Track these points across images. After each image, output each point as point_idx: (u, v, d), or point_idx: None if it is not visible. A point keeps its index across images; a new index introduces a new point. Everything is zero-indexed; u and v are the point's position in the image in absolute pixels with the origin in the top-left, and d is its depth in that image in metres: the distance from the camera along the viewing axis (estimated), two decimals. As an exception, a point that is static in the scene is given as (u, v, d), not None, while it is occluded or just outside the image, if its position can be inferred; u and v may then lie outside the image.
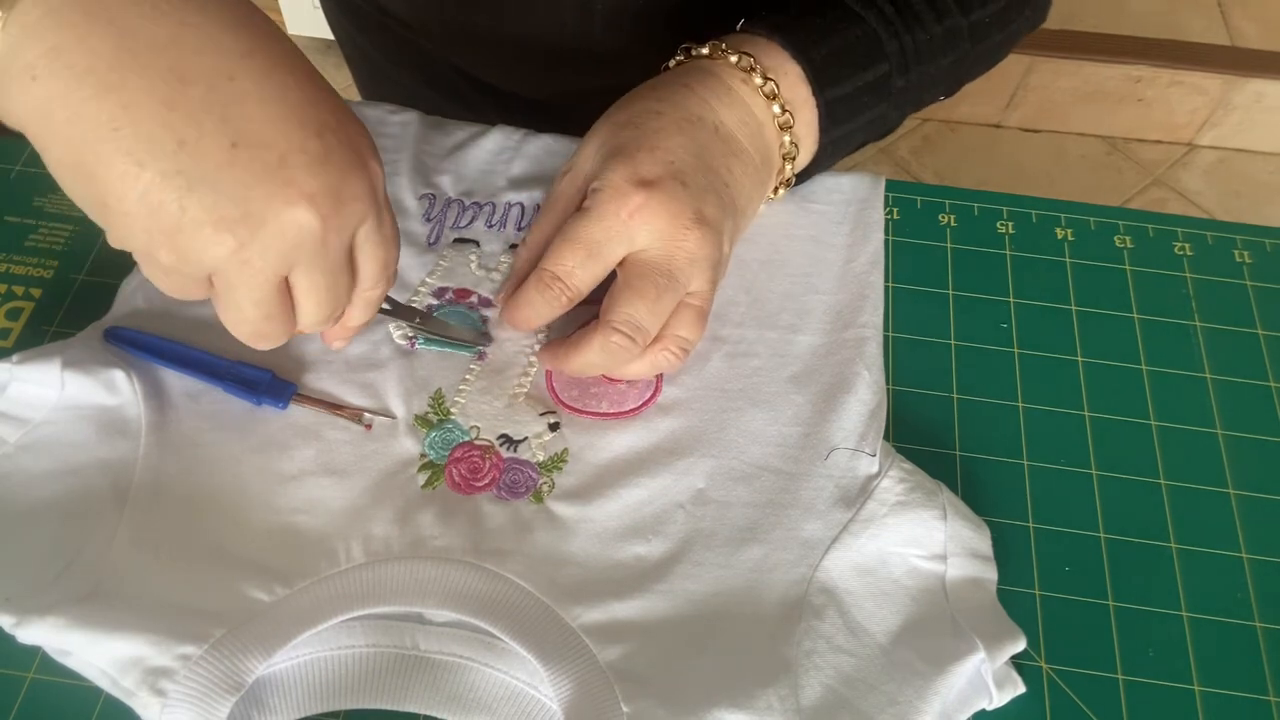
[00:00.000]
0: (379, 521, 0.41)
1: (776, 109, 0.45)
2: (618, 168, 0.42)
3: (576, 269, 0.41)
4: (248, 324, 0.36)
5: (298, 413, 0.44)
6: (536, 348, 0.46)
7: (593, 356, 0.41)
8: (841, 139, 0.49)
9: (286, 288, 0.35)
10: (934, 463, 0.44)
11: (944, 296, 0.51)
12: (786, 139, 0.46)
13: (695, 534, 0.41)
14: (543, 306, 0.42)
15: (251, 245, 0.33)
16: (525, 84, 0.63)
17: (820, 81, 0.46)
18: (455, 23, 0.59)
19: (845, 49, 0.46)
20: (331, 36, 0.76)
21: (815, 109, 0.46)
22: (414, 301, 0.47)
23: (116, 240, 0.34)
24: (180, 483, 0.41)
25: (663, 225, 0.41)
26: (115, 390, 0.42)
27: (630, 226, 0.41)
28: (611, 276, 0.43)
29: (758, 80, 0.45)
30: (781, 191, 0.49)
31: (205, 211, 0.31)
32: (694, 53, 0.47)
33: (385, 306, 0.44)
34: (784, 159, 0.47)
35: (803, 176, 0.50)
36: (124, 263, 0.47)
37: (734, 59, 0.45)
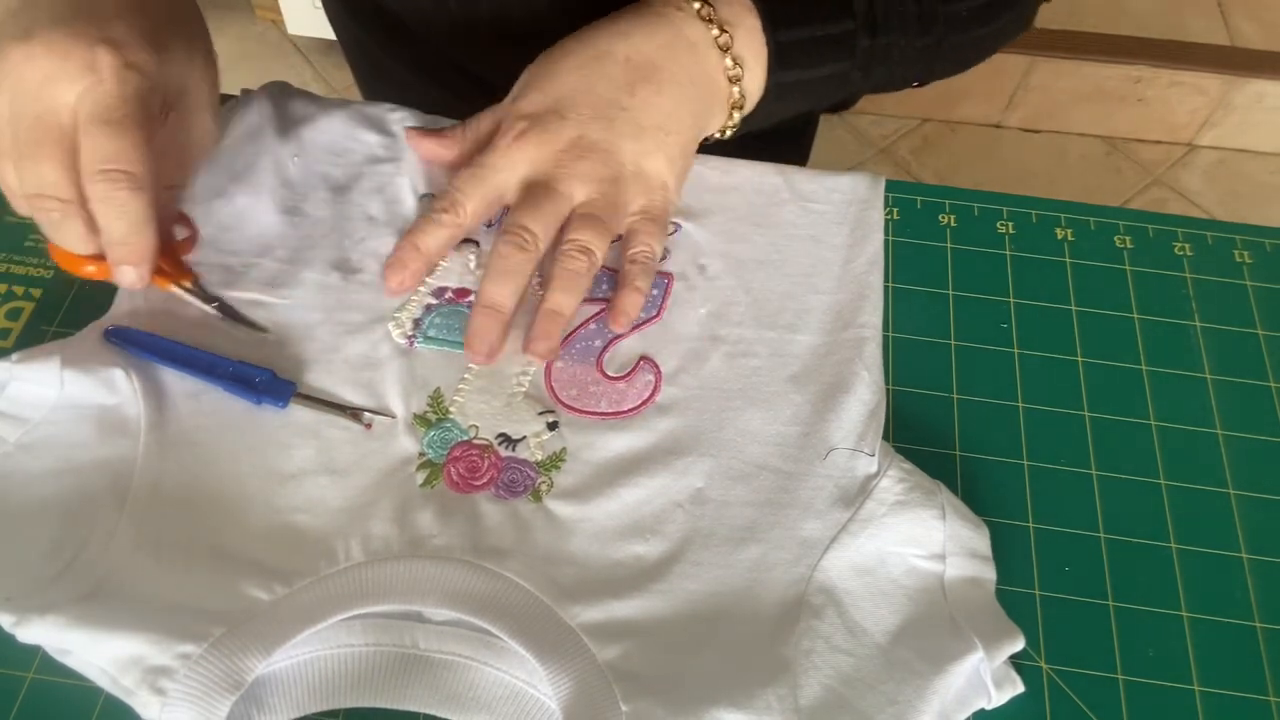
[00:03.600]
0: (378, 520, 0.41)
1: (715, 30, 0.47)
2: (510, 104, 0.48)
3: (464, 185, 0.46)
4: None
5: (297, 412, 0.44)
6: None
7: (497, 265, 0.45)
8: (794, 86, 0.50)
9: None
10: (934, 463, 0.44)
11: (944, 296, 0.51)
12: (729, 60, 0.48)
13: (694, 533, 0.41)
14: (433, 225, 0.46)
15: None
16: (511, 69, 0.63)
17: (773, 20, 0.48)
18: (442, 12, 0.59)
19: None
20: (332, 37, 0.76)
21: (765, 45, 0.48)
22: (413, 301, 0.47)
23: None
24: (180, 482, 0.41)
25: (539, 153, 0.46)
26: (114, 389, 0.42)
27: (511, 154, 0.46)
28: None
29: (696, 5, 0.47)
30: (736, 115, 0.50)
31: None
32: None
33: (187, 285, 0.45)
34: (730, 81, 0.48)
35: (754, 118, 0.50)
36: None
37: None
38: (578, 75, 0.47)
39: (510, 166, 0.46)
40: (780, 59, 0.48)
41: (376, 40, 0.70)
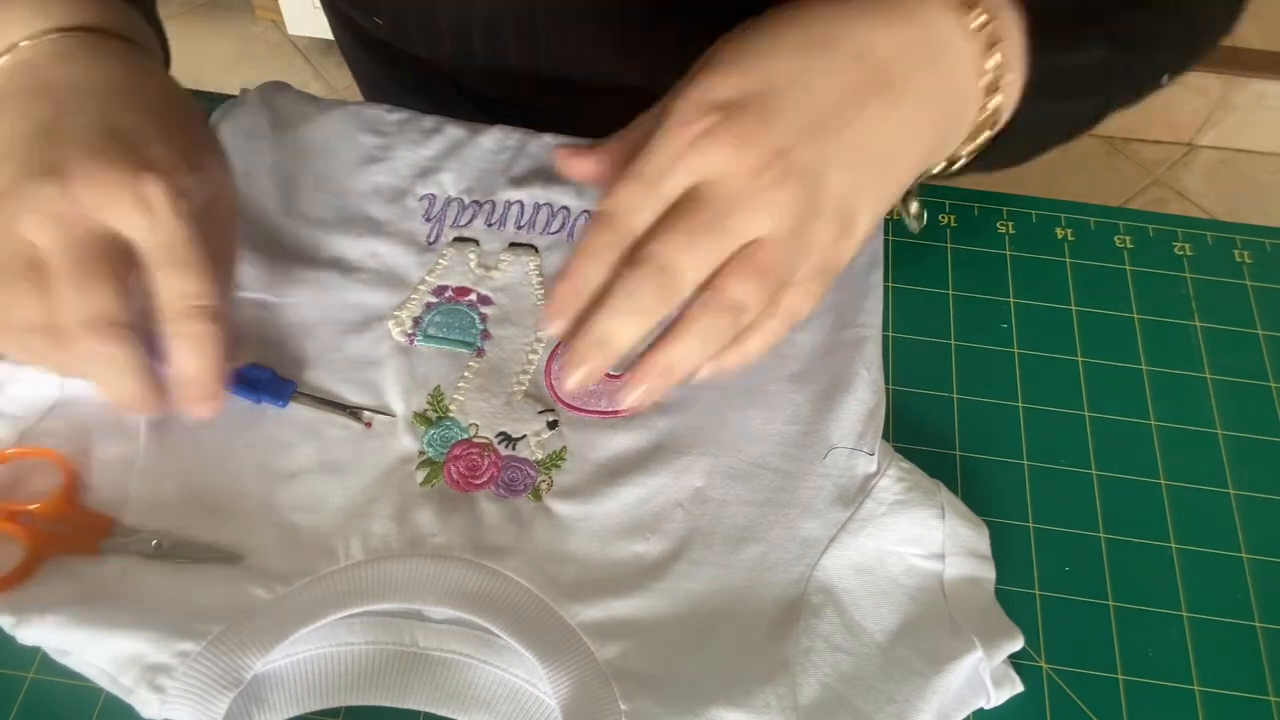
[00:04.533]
0: (378, 519, 0.41)
1: (981, 18, 0.36)
2: (695, 86, 0.35)
3: (633, 207, 0.34)
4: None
5: (297, 411, 0.44)
6: (536, 345, 0.46)
7: (621, 300, 0.33)
8: (1060, 75, 0.39)
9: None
10: (934, 463, 0.44)
11: (944, 296, 0.51)
12: (991, 62, 0.36)
13: (694, 533, 0.41)
14: (591, 257, 0.34)
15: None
16: (530, 103, 0.63)
17: (1041, 35, 0.37)
18: (467, 56, 0.58)
19: (1064, 12, 0.39)
20: (331, 37, 0.76)
21: (1028, 67, 0.37)
22: (413, 300, 0.47)
23: None
24: (179, 481, 0.41)
25: (728, 162, 0.34)
26: (114, 388, 0.42)
27: (690, 158, 0.34)
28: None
29: None
30: (984, 136, 0.38)
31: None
32: None
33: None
34: (986, 91, 0.36)
35: (1010, 147, 0.40)
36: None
37: None
38: (793, 63, 0.35)
39: (690, 173, 0.34)
40: (1044, 41, 0.37)
41: (372, 56, 0.69)
